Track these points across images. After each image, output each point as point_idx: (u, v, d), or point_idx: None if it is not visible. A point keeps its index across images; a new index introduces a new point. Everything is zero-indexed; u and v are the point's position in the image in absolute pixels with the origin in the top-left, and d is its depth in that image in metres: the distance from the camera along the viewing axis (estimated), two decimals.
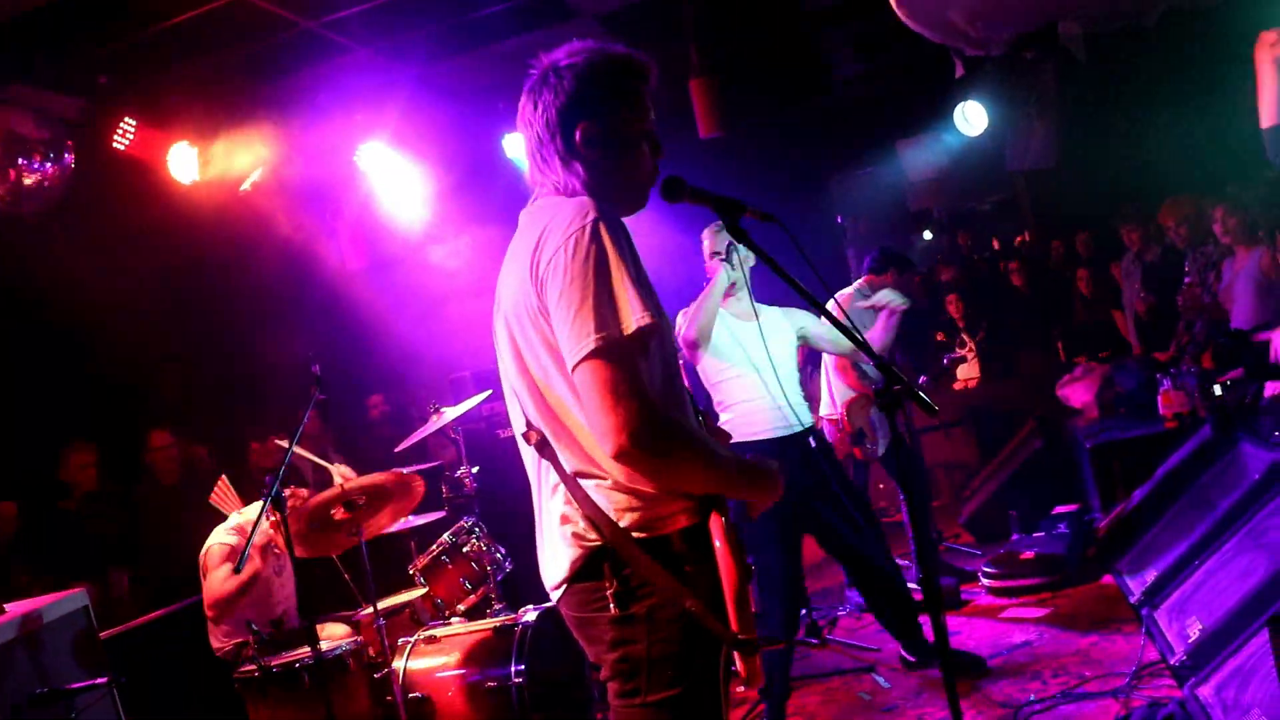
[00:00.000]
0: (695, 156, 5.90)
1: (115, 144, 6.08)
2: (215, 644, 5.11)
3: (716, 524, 2.18)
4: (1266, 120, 4.13)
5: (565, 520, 2.22)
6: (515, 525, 7.12)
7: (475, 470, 5.42)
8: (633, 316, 2.06)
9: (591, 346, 2.03)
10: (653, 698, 2.17)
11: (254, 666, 4.40)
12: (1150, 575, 4.70)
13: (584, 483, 2.20)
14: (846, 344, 4.71)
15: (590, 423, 2.10)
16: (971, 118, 8.27)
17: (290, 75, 6.68)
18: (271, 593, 5.09)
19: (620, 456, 2.04)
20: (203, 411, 7.49)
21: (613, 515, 2.16)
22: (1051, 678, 4.60)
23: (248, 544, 4.16)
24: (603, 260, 2.08)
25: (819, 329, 4.89)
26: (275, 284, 7.97)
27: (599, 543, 2.18)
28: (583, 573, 2.21)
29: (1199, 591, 4.23)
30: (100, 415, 6.84)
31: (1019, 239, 13.54)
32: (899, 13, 5.97)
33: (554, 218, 2.16)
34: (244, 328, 7.82)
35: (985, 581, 6.02)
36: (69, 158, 5.81)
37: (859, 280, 6.30)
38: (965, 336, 9.34)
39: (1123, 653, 4.64)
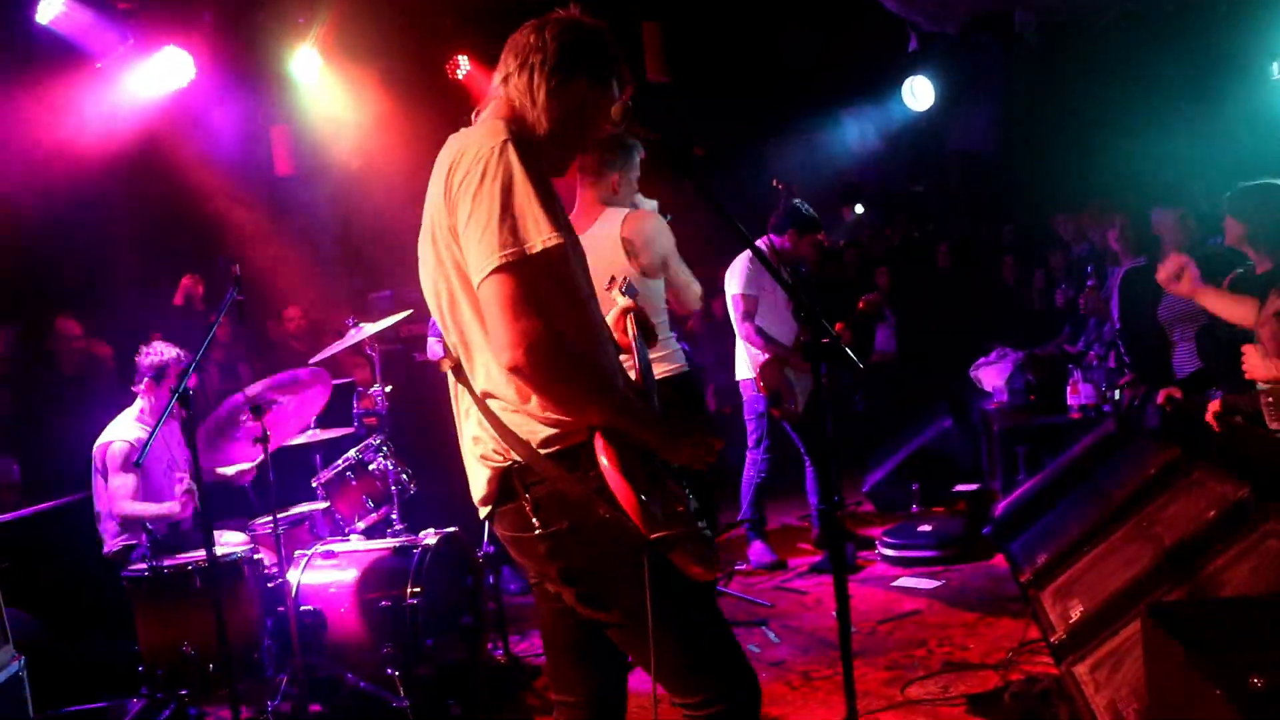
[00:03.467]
0: (638, 99, 5.83)
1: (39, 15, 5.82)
2: (106, 543, 5.01)
3: (598, 440, 2.19)
4: None
5: (478, 442, 2.30)
6: (423, 448, 7.10)
7: (388, 390, 5.34)
8: (539, 235, 2.11)
9: (496, 263, 2.09)
10: (618, 611, 2.28)
11: (144, 565, 4.32)
12: (1041, 558, 4.82)
13: (491, 404, 2.26)
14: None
15: (490, 338, 2.15)
16: (919, 93, 8.32)
17: None
18: (163, 495, 4.99)
19: (514, 370, 2.12)
20: (108, 304, 7.29)
21: (520, 434, 2.22)
22: (937, 646, 4.71)
23: (146, 444, 4.04)
24: (510, 181, 2.13)
25: None
26: (199, 183, 7.75)
27: (508, 462, 2.25)
28: (501, 493, 2.29)
29: (1085, 576, 4.35)
30: (6, 295, 6.64)
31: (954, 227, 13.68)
32: None
33: (469, 139, 2.23)
34: (165, 224, 7.61)
35: (882, 550, 6.14)
36: None
37: (760, 240, 6.24)
38: (888, 310, 9.44)
39: (1008, 629, 4.77)
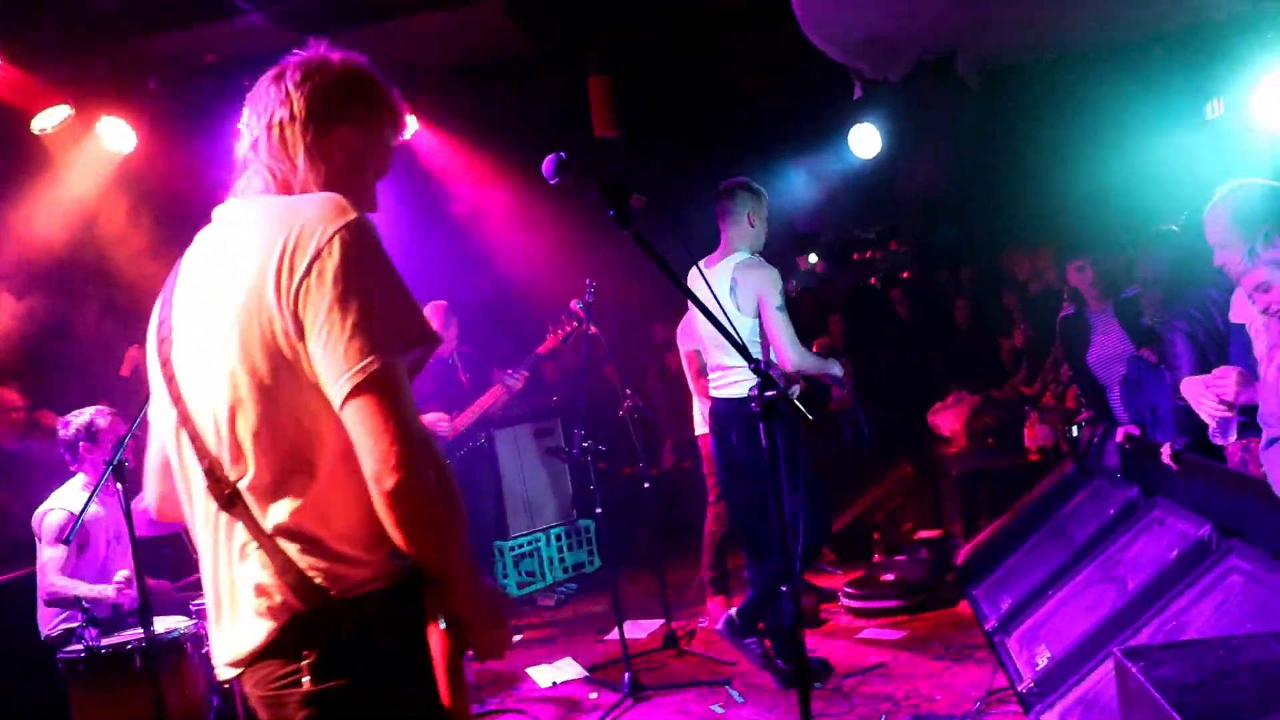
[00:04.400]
0: (588, 156, 5.82)
1: None
2: (43, 627, 4.81)
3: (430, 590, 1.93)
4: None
5: (261, 590, 1.87)
6: None
7: None
8: (417, 329, 1.86)
9: (375, 367, 1.78)
10: None
11: (80, 647, 4.15)
12: (1005, 603, 4.78)
13: (292, 540, 1.87)
14: None
15: (369, 457, 1.79)
16: (865, 140, 8.36)
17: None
18: (107, 572, 4.82)
19: (398, 494, 1.78)
20: (59, 374, 7.13)
21: (328, 574, 1.86)
22: (904, 699, 4.62)
23: (79, 517, 3.90)
24: (381, 266, 1.85)
25: None
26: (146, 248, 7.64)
27: (302, 609, 1.86)
28: (276, 645, 1.88)
29: (1050, 620, 4.31)
30: None
31: (905, 273, 13.78)
32: (804, 27, 5.98)
33: (297, 218, 1.85)
34: (112, 292, 7.49)
35: (845, 601, 6.05)
36: None
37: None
38: (844, 360, 9.42)
39: (974, 678, 4.69)
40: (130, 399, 5.89)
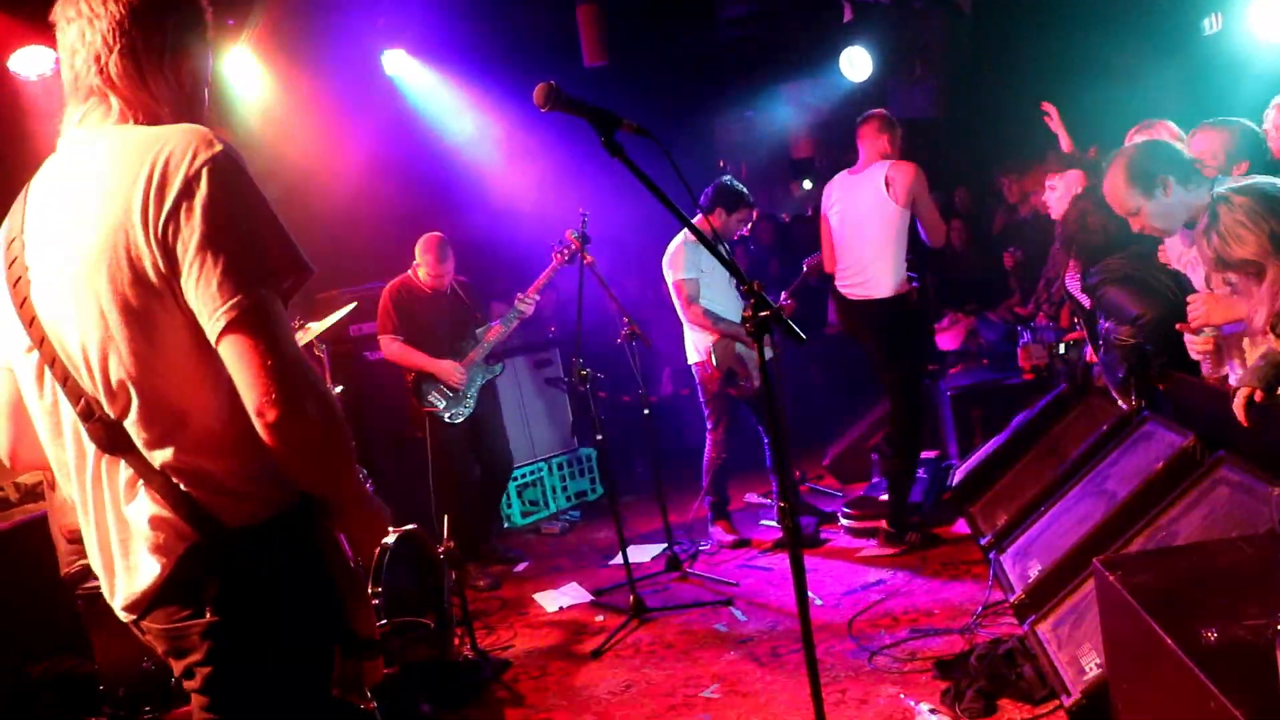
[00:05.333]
0: (579, 86, 5.79)
1: None
2: (63, 566, 4.90)
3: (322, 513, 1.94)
4: None
5: (156, 523, 1.83)
6: (378, 447, 7.03)
7: (339, 390, 5.28)
8: (288, 259, 1.81)
9: (246, 303, 1.72)
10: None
11: (98, 582, 4.23)
12: (1000, 520, 4.87)
13: (180, 476, 1.83)
14: None
15: (249, 392, 1.75)
16: (856, 64, 8.31)
17: None
18: None
19: (279, 427, 1.74)
20: None
21: (221, 506, 1.84)
22: (902, 614, 4.73)
23: None
24: (251, 197, 1.79)
25: None
26: None
27: (199, 540, 1.83)
28: (173, 581, 1.85)
29: (1042, 535, 4.40)
30: None
31: None
32: None
33: (161, 150, 1.76)
34: None
35: (844, 523, 6.15)
36: None
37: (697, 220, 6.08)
38: None
39: (971, 593, 4.80)
40: None
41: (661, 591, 5.62)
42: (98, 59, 1.88)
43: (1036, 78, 8.28)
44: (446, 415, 6.05)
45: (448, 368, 5.98)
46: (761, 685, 4.26)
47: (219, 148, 1.77)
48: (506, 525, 7.44)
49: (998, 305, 8.06)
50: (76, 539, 4.73)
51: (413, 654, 4.49)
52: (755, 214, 6.56)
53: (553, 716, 4.32)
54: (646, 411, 5.97)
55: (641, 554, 6.23)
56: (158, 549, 1.84)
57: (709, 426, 6.24)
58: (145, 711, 4.18)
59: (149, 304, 1.77)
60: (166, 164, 1.74)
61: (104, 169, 1.80)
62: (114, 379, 1.81)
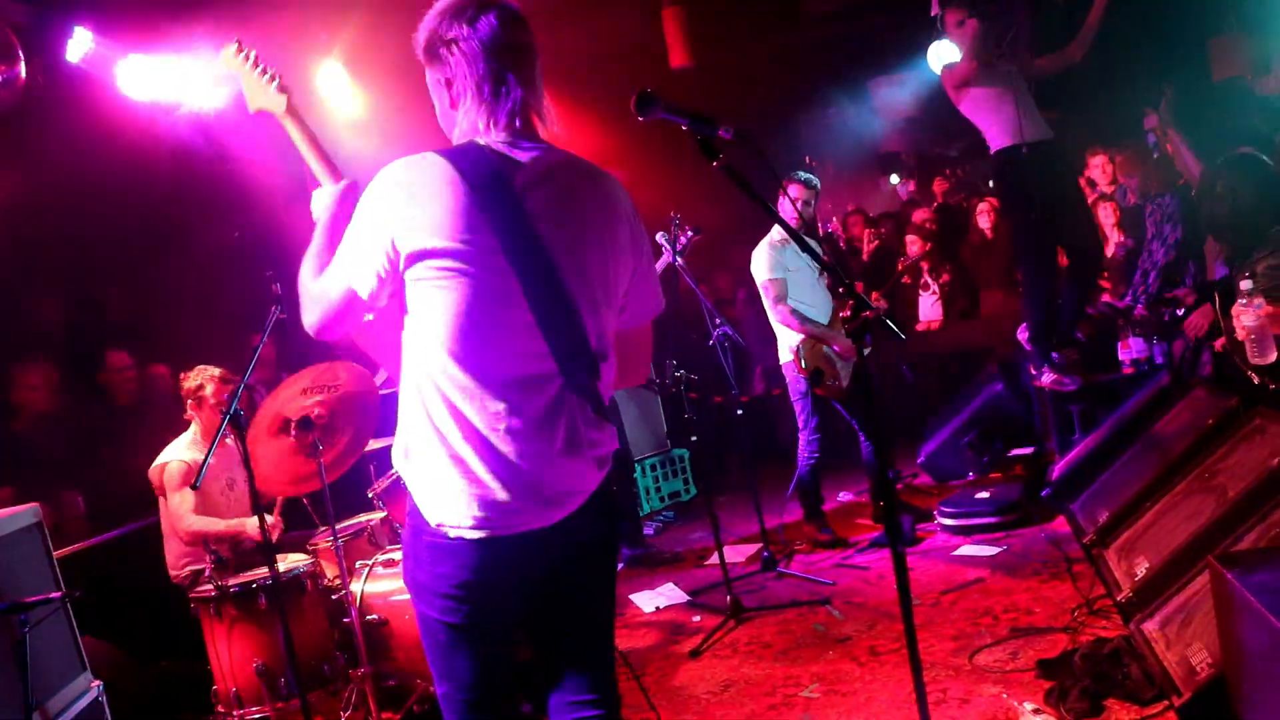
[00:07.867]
0: (665, 87, 5.82)
1: (69, 55, 5.85)
2: (171, 569, 5.08)
3: None
4: None
5: (595, 444, 2.33)
6: None
7: None
8: None
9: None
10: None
11: (210, 586, 4.39)
12: (1102, 516, 4.76)
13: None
14: None
15: (629, 367, 2.46)
16: (944, 57, 8.18)
17: None
18: (226, 515, 5.06)
19: None
20: (157, 329, 7.36)
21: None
22: (1003, 613, 4.67)
23: (204, 465, 4.09)
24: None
25: None
26: (232, 199, 7.81)
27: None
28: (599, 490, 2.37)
29: (1148, 532, 4.30)
30: (58, 334, 6.73)
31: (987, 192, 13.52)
32: None
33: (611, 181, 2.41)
34: (199, 244, 7.66)
35: (940, 520, 6.10)
36: (19, 66, 5.59)
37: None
38: (929, 279, 9.37)
39: (1072, 591, 4.71)
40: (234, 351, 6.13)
41: (758, 591, 5.62)
42: (537, 81, 2.49)
43: (1130, 60, 8.12)
44: None
45: None
46: (861, 684, 4.24)
47: None
48: None
49: (1095, 298, 7.88)
50: (196, 541, 4.89)
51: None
52: (803, 190, 6.31)
53: (652, 716, 4.36)
54: (740, 412, 5.97)
55: (737, 554, 6.24)
56: (599, 462, 2.38)
57: (800, 425, 6.23)
58: (254, 709, 4.32)
59: (615, 283, 2.37)
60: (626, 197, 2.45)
61: (602, 185, 2.41)
62: (588, 325, 2.30)
